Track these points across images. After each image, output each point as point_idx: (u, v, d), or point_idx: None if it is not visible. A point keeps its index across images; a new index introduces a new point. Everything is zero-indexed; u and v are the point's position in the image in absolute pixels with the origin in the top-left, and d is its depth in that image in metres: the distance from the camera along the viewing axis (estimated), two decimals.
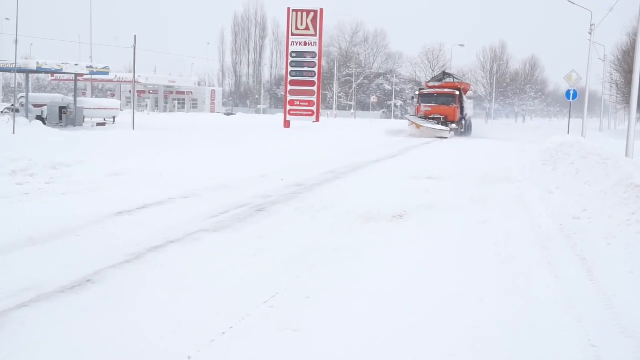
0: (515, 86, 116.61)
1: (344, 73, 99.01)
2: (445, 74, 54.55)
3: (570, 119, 44.45)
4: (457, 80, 53.16)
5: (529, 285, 7.76)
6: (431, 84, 52.06)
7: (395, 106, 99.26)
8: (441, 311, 6.69)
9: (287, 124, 43.09)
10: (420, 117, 46.60)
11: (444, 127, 45.09)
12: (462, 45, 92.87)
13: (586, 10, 42.48)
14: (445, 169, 21.12)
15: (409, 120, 47.56)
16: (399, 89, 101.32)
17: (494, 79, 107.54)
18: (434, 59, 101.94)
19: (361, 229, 10.80)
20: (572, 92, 39.37)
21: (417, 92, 50.42)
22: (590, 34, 41.05)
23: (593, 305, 7.06)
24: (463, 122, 49.35)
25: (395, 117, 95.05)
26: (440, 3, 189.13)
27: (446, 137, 43.78)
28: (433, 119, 46.04)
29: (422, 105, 47.34)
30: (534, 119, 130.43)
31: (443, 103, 46.90)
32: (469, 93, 59.24)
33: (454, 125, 46.54)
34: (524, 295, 7.34)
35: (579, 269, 8.56)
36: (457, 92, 47.67)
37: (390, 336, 5.97)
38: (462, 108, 48.80)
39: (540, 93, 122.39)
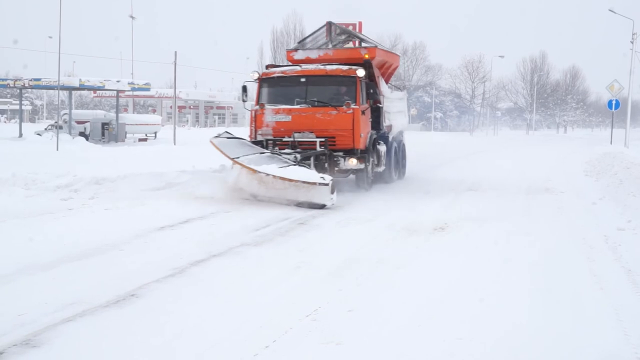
0: (556, 97, 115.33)
1: None
2: (332, 27, 21.30)
3: (613, 129, 43.92)
4: (367, 44, 20.93)
5: (574, 297, 7.65)
6: (299, 56, 20.09)
7: (435, 118, 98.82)
8: (484, 324, 6.63)
9: None
10: (257, 142, 17.48)
11: (315, 178, 14.57)
12: (501, 56, 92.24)
13: (628, 19, 42.05)
14: (487, 181, 20.93)
15: (225, 154, 15.32)
16: (438, 101, 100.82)
17: (535, 89, 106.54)
18: (473, 70, 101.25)
19: (403, 242, 10.76)
20: (614, 102, 38.93)
21: (256, 77, 18.32)
22: (632, 42, 40.59)
23: None
24: (379, 149, 18.93)
25: (435, 129, 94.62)
26: (479, 14, 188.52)
27: (325, 205, 14.36)
28: (295, 146, 17.13)
29: (269, 108, 17.85)
30: (575, 130, 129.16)
31: (323, 102, 17.60)
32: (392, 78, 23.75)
33: (353, 162, 17.11)
34: (569, 307, 7.24)
35: (625, 280, 8.44)
36: (360, 73, 17.57)
37: (436, 351, 5.94)
38: (377, 112, 19.32)
39: (581, 103, 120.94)
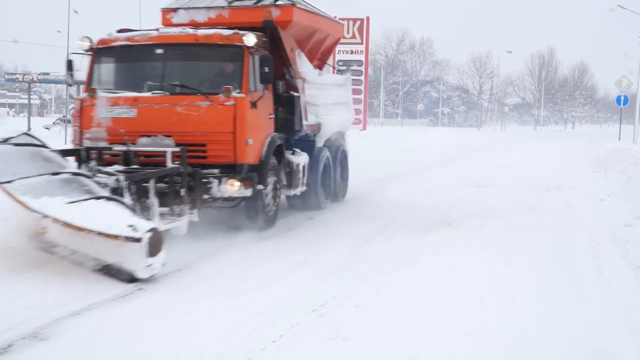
0: (564, 92, 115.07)
1: (391, 81, 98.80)
2: None
3: (621, 125, 43.78)
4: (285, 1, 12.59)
5: (580, 294, 7.65)
6: (180, 19, 12.78)
7: (443, 114, 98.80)
8: (489, 320, 6.64)
9: None
10: (74, 152, 10.64)
11: (117, 227, 7.84)
12: (509, 52, 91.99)
13: (637, 15, 41.92)
14: (494, 176, 20.89)
15: None
16: (445, 97, 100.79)
17: (542, 85, 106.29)
18: (481, 65, 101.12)
19: (409, 237, 10.76)
20: (622, 98, 38.77)
21: (87, 46, 11.26)
22: None
23: None
24: (293, 161, 12.41)
25: (443, 124, 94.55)
26: (487, 10, 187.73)
27: (135, 278, 7.78)
28: (130, 159, 10.19)
29: (103, 97, 10.85)
30: (583, 125, 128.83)
31: (189, 87, 10.84)
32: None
33: (233, 186, 10.32)
34: (575, 304, 7.24)
35: (632, 277, 8.43)
36: (250, 41, 10.74)
37: (442, 347, 5.95)
38: (292, 104, 12.53)
39: (589, 99, 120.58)
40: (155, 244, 7.85)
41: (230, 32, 10.99)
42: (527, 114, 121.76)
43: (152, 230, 7.88)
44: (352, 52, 42.06)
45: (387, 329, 6.31)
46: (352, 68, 41.71)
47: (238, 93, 10.52)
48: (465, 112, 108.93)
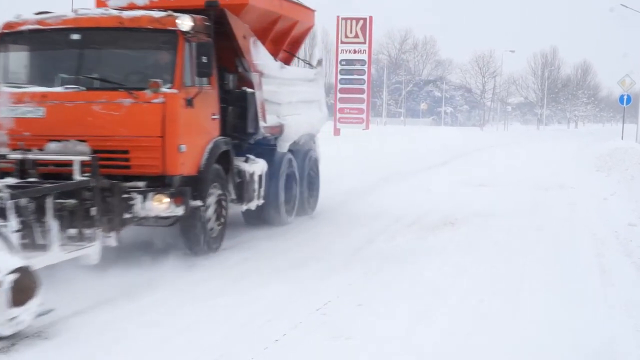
0: (567, 91, 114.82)
1: (393, 80, 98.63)
2: None
3: (624, 124, 43.74)
4: None
5: (584, 292, 7.63)
6: (117, 1, 10.32)
7: (446, 113, 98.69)
8: (493, 319, 6.64)
9: (336, 132, 43.05)
10: None
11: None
12: (512, 51, 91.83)
13: (639, 14, 41.89)
14: (497, 176, 20.87)
15: None
16: (448, 96, 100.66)
17: (545, 84, 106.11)
18: (484, 65, 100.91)
19: (412, 237, 10.75)
20: (625, 97, 38.73)
21: None
22: None
23: None
24: (246, 171, 10.39)
25: (446, 123, 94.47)
26: (490, 9, 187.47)
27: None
28: (25, 169, 8.38)
29: (4, 92, 8.86)
30: (586, 125, 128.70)
31: (110, 81, 9.01)
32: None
33: (161, 203, 8.44)
34: (579, 303, 7.22)
35: (635, 276, 8.43)
36: (185, 25, 8.77)
37: (444, 346, 5.95)
38: (244, 101, 10.37)
39: (592, 98, 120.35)
40: (23, 290, 5.90)
41: (162, 14, 9.03)
42: (530, 113, 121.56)
43: (19, 270, 5.91)
44: (355, 52, 42.12)
45: (390, 328, 6.31)
46: (355, 67, 41.88)
47: (169, 88, 8.62)
48: (468, 112, 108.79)
